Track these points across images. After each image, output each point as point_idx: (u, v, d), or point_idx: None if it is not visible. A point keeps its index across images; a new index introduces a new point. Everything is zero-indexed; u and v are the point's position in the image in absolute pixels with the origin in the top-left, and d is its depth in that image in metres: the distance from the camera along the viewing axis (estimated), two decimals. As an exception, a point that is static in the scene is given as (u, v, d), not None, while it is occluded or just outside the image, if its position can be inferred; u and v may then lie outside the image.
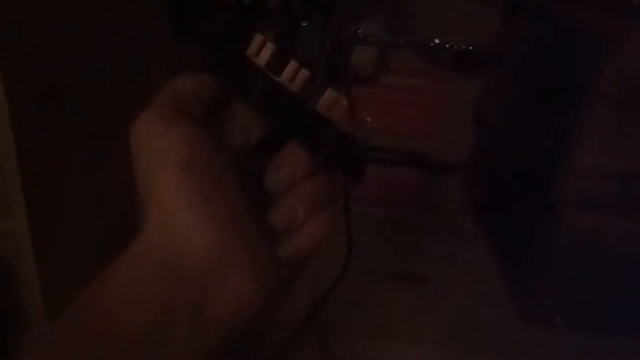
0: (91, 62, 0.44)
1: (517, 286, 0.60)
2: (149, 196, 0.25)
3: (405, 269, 0.63)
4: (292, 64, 0.27)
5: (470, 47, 0.68)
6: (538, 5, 0.63)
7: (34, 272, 0.40)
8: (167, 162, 0.24)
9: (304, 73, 0.27)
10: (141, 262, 0.24)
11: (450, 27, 0.68)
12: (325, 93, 0.27)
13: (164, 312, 0.23)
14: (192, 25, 0.61)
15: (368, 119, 0.30)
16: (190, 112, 0.26)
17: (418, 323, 0.57)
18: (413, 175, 0.75)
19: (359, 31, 0.64)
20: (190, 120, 0.25)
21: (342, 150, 0.28)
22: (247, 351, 0.49)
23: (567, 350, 0.55)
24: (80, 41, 0.42)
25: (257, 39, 0.27)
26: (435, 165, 0.75)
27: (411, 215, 0.73)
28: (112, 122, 0.45)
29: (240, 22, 0.61)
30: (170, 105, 0.26)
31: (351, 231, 0.52)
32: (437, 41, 0.67)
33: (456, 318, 0.58)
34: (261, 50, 0.27)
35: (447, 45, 0.67)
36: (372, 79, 0.70)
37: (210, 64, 0.28)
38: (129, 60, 0.51)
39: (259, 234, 0.26)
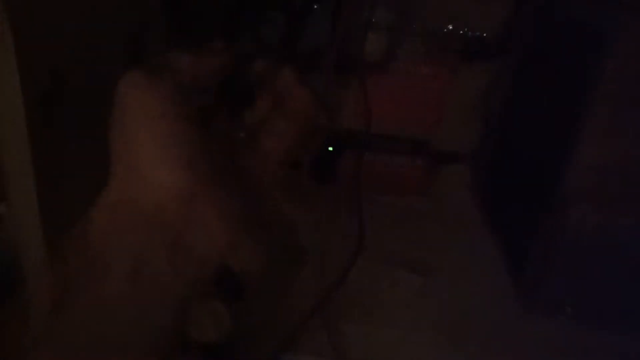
0: (91, 62, 0.44)
1: (523, 277, 0.60)
2: (121, 143, 0.26)
3: (410, 258, 0.64)
4: None
5: (481, 35, 0.67)
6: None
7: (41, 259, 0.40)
8: (144, 110, 0.26)
9: None
10: (117, 206, 0.26)
11: (461, 14, 0.67)
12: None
13: (143, 250, 0.25)
14: (192, 24, 0.60)
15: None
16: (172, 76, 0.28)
17: (424, 312, 0.57)
18: (419, 164, 0.75)
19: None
20: (171, 80, 0.27)
21: None
22: (255, 338, 0.49)
23: (571, 341, 0.55)
24: (80, 41, 0.42)
25: None
26: (441, 155, 0.75)
27: (417, 205, 0.73)
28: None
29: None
30: (155, 69, 0.28)
31: (363, 222, 0.52)
32: (450, 27, 0.66)
33: (463, 308, 0.58)
34: None
35: (461, 32, 0.67)
36: (381, 66, 0.69)
37: None
38: (129, 60, 0.51)
39: (230, 180, 0.27)
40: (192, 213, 0.25)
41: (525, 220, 0.60)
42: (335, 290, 0.50)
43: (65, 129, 0.41)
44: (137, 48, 0.53)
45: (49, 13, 0.37)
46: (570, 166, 0.51)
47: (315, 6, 0.64)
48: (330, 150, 0.73)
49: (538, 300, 0.58)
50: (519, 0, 0.67)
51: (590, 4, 0.55)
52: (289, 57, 0.62)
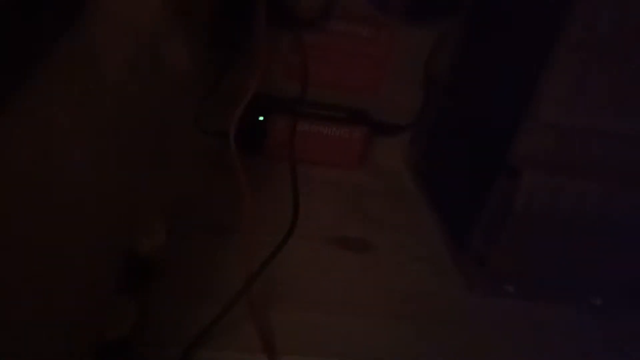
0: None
1: (465, 255, 0.56)
2: None
3: (345, 236, 0.59)
4: None
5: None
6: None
7: None
8: None
9: None
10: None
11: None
12: None
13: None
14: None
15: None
16: None
17: (360, 293, 0.52)
18: (355, 135, 0.69)
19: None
20: None
21: None
22: (167, 330, 0.43)
23: (514, 319, 0.52)
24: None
25: None
26: (379, 126, 0.70)
27: (352, 178, 0.68)
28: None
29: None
30: None
31: (298, 199, 0.46)
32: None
33: (401, 287, 0.53)
34: None
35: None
36: (317, 24, 0.63)
37: None
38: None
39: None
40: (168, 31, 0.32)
41: (469, 192, 0.56)
42: (262, 273, 0.44)
43: None
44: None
45: None
46: (524, 128, 0.47)
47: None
48: (260, 120, 0.67)
49: (484, 276, 0.54)
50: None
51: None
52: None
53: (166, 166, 0.52)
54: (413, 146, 0.70)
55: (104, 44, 0.34)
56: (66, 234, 0.36)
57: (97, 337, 0.39)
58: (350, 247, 0.57)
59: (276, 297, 0.49)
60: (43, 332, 0.33)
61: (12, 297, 0.30)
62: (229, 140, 0.55)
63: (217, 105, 0.59)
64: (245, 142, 0.63)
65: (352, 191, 0.66)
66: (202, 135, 0.62)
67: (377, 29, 0.66)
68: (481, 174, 0.55)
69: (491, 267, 0.54)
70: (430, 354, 0.48)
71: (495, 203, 0.52)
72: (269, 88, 0.64)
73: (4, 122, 0.27)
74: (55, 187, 0.35)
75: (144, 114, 0.44)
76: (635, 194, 0.49)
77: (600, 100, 0.45)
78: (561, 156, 0.48)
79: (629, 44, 0.44)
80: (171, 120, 0.55)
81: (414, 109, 0.69)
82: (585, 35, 0.43)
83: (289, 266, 0.51)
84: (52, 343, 0.34)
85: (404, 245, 0.58)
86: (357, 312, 0.50)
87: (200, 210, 0.56)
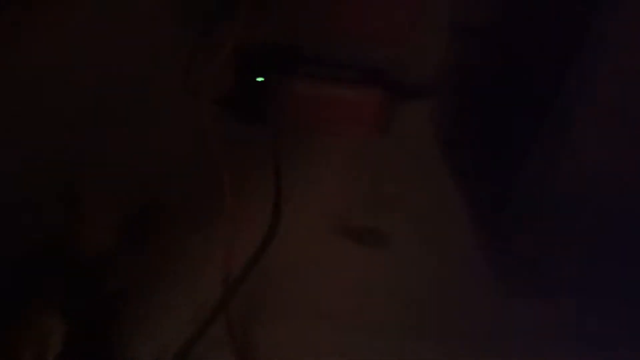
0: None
1: (494, 239, 0.48)
2: None
3: (356, 223, 0.51)
4: None
5: None
6: None
7: None
8: None
9: None
10: None
11: None
12: None
13: None
14: None
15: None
16: None
17: (372, 295, 0.46)
18: (373, 98, 0.60)
19: None
20: None
21: None
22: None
23: (552, 324, 0.46)
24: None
25: None
26: (401, 86, 0.61)
27: (370, 149, 0.60)
28: None
29: None
30: None
31: (281, 192, 0.39)
32: None
33: (421, 288, 0.47)
34: None
35: None
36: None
37: None
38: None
39: None
40: None
41: (503, 164, 0.48)
42: (242, 282, 0.37)
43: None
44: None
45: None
46: (578, 73, 0.37)
47: None
48: (260, 81, 0.59)
49: (518, 272, 0.47)
50: None
51: None
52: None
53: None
54: (440, 111, 0.62)
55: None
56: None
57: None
58: (360, 239, 0.50)
59: (266, 302, 0.42)
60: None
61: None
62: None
63: (204, 64, 0.51)
64: (241, 109, 0.56)
65: (367, 166, 0.58)
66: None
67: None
68: (520, 145, 0.45)
69: (527, 261, 0.46)
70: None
71: (533, 180, 0.43)
72: (265, 41, 0.56)
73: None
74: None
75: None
76: None
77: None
78: (621, 114, 0.38)
79: None
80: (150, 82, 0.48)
81: (441, 67, 0.60)
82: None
83: (284, 261, 0.45)
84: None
85: (424, 235, 0.50)
86: (367, 319, 0.43)
87: (177, 201, 0.49)
